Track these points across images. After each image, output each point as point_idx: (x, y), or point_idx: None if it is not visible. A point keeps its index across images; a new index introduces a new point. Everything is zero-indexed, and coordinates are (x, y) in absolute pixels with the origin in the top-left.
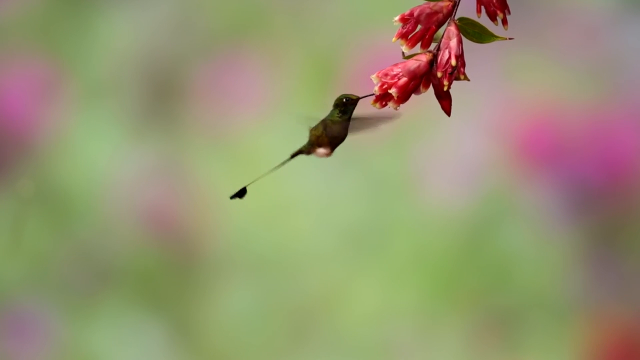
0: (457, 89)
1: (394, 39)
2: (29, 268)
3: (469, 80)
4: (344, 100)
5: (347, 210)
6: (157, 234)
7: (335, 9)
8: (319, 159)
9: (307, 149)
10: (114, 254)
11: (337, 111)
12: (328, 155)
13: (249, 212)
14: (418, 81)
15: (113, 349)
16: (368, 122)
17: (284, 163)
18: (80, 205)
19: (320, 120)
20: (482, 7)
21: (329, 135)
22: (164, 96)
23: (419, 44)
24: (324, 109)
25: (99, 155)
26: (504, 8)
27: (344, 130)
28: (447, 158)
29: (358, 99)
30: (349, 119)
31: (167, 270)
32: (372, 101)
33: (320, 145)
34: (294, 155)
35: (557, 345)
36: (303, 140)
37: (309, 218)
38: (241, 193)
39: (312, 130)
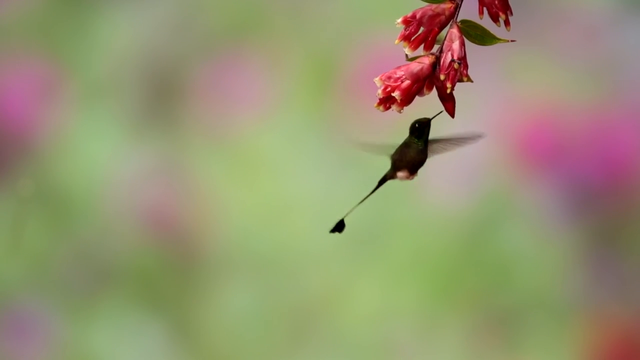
0: (456, 89)
1: (396, 41)
2: (29, 268)
3: (472, 81)
4: (417, 125)
5: (347, 210)
6: (157, 234)
7: (335, 9)
8: (319, 159)
9: (391, 174)
10: (114, 253)
11: (412, 137)
12: (410, 178)
13: (249, 212)
14: (421, 84)
15: (113, 349)
16: (450, 142)
17: (373, 191)
18: (80, 205)
19: (399, 145)
20: (484, 9)
21: (408, 159)
22: (164, 96)
23: (421, 46)
24: (324, 109)
25: (99, 155)
26: (506, 9)
27: (422, 152)
28: (447, 158)
29: (429, 120)
30: (426, 141)
31: (167, 270)
32: (375, 104)
33: (399, 169)
34: (381, 182)
35: (557, 345)
36: (304, 140)
37: (309, 218)
38: (340, 227)
39: (393, 155)
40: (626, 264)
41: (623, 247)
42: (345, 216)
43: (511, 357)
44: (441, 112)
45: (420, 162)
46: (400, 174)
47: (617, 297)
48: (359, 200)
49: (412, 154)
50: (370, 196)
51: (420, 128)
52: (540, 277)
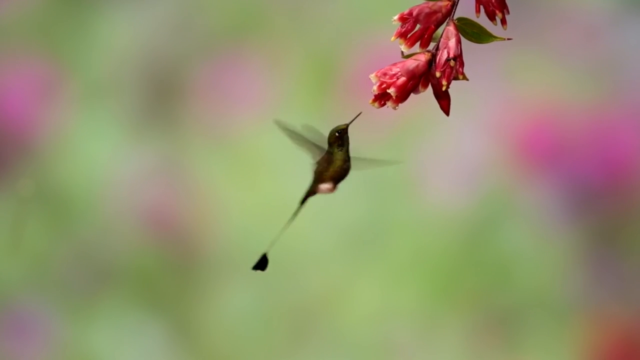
0: (456, 89)
1: (392, 38)
2: (29, 268)
3: (467, 80)
4: (337, 133)
5: (347, 210)
6: (157, 234)
7: (335, 9)
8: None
9: (314, 188)
10: (114, 253)
11: (335, 146)
12: (331, 191)
13: (249, 212)
14: (417, 81)
15: (113, 349)
16: (372, 163)
17: (296, 213)
18: (81, 205)
19: (320, 157)
20: (481, 7)
21: (333, 170)
22: (164, 96)
23: (417, 44)
24: (324, 109)
25: (99, 155)
26: (503, 8)
27: (346, 163)
28: (447, 158)
29: (347, 126)
30: (347, 149)
31: (167, 270)
32: (370, 100)
33: (323, 181)
34: (303, 201)
35: (557, 345)
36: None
37: (309, 218)
38: (263, 263)
39: (316, 168)
40: (626, 264)
41: (623, 247)
42: (268, 250)
43: (511, 357)
44: (360, 113)
45: (345, 173)
46: (323, 186)
47: (617, 297)
48: (285, 225)
49: (337, 165)
50: (370, 196)
51: (340, 136)
52: (540, 277)
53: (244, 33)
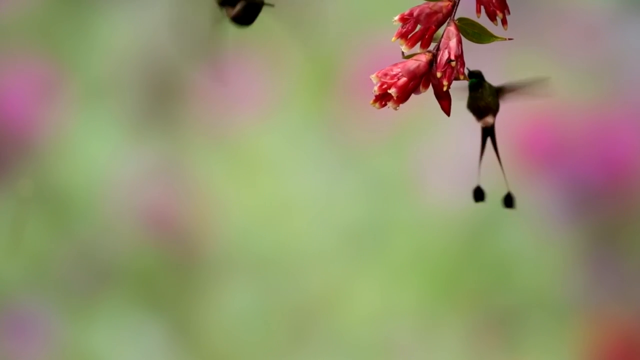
0: (457, 89)
1: (393, 38)
2: (29, 268)
3: (468, 80)
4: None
5: (347, 210)
6: (157, 234)
7: (335, 9)
8: (319, 159)
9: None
10: (114, 253)
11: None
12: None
13: (249, 212)
14: (418, 81)
15: (113, 349)
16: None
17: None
18: (80, 205)
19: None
20: (482, 7)
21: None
22: (164, 96)
23: (418, 44)
24: (324, 109)
25: (99, 155)
26: (504, 8)
27: (492, 98)
28: (447, 158)
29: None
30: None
31: (167, 270)
32: (371, 101)
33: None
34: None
35: (557, 345)
36: (304, 140)
37: (309, 218)
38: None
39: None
40: (626, 264)
41: (623, 247)
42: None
43: (511, 357)
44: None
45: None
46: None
47: (617, 297)
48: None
49: (483, 102)
50: (370, 196)
51: (478, 77)
52: (540, 277)
53: (244, 33)
